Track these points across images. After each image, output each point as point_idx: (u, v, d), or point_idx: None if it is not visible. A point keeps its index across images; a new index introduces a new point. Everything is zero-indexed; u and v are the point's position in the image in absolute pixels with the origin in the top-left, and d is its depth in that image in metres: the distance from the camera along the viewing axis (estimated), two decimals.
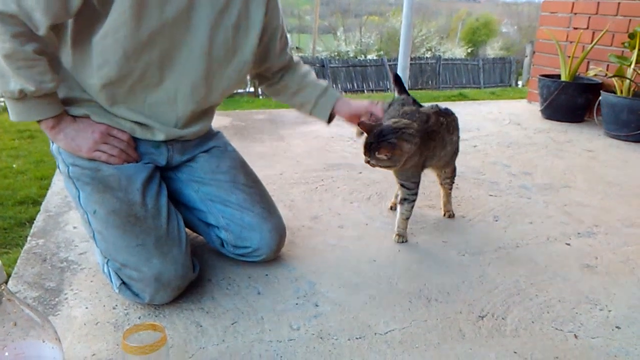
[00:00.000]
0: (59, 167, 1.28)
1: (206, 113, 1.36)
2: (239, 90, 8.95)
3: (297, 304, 1.23)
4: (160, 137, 1.28)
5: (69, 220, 1.64)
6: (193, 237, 1.50)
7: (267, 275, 1.36)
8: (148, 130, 1.26)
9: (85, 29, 1.11)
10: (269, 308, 1.21)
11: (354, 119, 1.51)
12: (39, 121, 1.16)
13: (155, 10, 1.09)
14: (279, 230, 1.39)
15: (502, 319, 1.19)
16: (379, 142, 1.35)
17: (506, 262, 1.47)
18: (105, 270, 1.21)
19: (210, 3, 1.17)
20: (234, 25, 1.22)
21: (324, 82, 1.53)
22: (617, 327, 1.18)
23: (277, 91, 1.55)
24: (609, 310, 1.24)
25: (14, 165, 3.83)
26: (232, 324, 1.15)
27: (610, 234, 1.66)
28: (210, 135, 1.45)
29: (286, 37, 1.45)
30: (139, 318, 1.15)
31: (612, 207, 1.89)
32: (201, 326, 1.13)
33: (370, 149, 1.37)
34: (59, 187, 1.90)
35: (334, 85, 13.85)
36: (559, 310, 1.23)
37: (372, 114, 1.48)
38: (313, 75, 1.55)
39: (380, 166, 1.41)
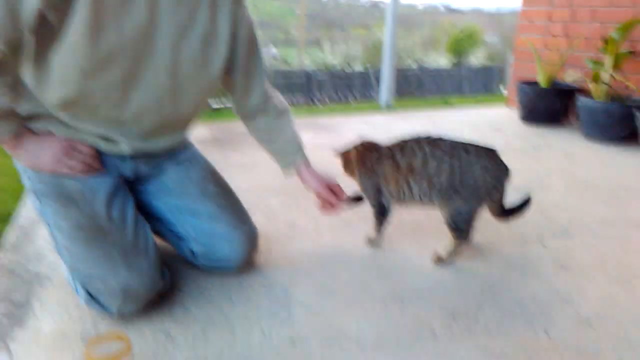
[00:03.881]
0: (24, 183, 1.26)
1: (177, 127, 1.34)
2: (224, 105, 8.92)
3: (270, 310, 1.22)
4: (126, 151, 1.27)
5: (40, 233, 1.61)
6: (165, 246, 1.49)
7: (240, 283, 1.34)
8: (113, 144, 1.25)
9: (44, 46, 1.08)
10: (241, 315, 1.20)
11: (322, 186, 1.49)
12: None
13: (112, 28, 1.07)
14: (250, 238, 1.37)
15: (474, 317, 1.19)
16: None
17: (481, 262, 1.47)
18: (72, 283, 1.19)
19: (173, 19, 1.14)
20: (201, 39, 1.20)
21: (299, 142, 1.49)
22: (588, 324, 1.18)
23: (250, 129, 1.51)
24: (581, 308, 1.24)
25: None
26: (203, 332, 1.13)
27: (586, 235, 1.68)
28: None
29: (261, 63, 1.39)
30: (107, 329, 1.13)
31: (588, 208, 1.91)
32: (170, 335, 1.12)
33: None
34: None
35: (320, 94, 13.94)
36: (531, 308, 1.24)
37: (336, 190, 1.51)
38: (290, 130, 1.49)
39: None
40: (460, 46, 23.70)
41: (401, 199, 1.47)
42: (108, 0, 1.05)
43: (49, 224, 1.20)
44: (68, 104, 1.15)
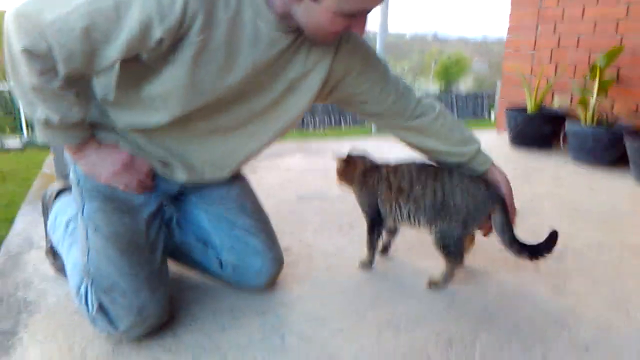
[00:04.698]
0: (69, 174, 1.26)
1: (238, 164, 1.35)
2: None
3: (262, 338, 1.20)
4: (181, 179, 1.28)
5: (29, 260, 1.58)
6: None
7: (232, 310, 1.32)
8: (170, 171, 1.27)
9: (133, 80, 1.11)
10: (232, 343, 1.18)
11: (509, 195, 1.44)
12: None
13: (208, 85, 1.10)
14: (280, 260, 1.41)
15: (471, 344, 1.18)
16: None
17: (476, 287, 1.46)
18: (83, 291, 1.15)
19: (262, 77, 1.16)
20: (287, 88, 1.21)
21: (474, 143, 1.42)
22: (585, 349, 1.17)
23: (423, 152, 1.48)
24: (578, 333, 1.23)
25: None
26: None
27: (578, 259, 1.68)
28: None
29: (394, 87, 1.34)
30: (96, 357, 1.11)
31: (579, 232, 1.92)
32: None
33: None
34: (20, 227, 1.85)
35: (312, 118, 14.05)
36: (527, 333, 1.23)
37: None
38: (459, 133, 1.42)
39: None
40: (448, 73, 24.11)
41: (394, 219, 1.49)
42: (211, 62, 1.07)
43: (87, 224, 1.18)
44: (141, 131, 1.18)
